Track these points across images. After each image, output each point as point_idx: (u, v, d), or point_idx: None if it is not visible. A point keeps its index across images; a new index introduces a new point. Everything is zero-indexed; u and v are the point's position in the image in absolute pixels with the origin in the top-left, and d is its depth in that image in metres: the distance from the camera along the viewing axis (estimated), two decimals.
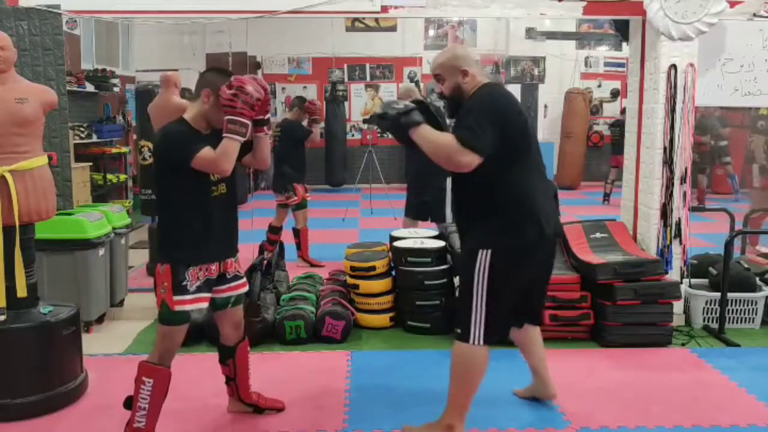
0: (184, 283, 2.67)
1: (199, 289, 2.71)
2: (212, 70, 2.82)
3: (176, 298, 2.66)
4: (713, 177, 10.41)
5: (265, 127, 2.81)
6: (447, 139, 2.68)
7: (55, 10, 4.35)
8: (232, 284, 2.90)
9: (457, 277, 4.13)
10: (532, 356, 3.21)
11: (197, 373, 3.59)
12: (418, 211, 5.58)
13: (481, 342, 2.74)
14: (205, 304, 2.77)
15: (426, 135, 2.72)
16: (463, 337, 2.77)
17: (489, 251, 2.70)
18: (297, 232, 6.12)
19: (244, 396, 3.12)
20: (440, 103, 3.20)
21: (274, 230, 6.00)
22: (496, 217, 2.73)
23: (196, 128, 2.71)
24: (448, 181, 5.58)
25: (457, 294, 2.91)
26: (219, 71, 2.79)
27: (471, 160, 2.62)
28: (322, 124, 6.10)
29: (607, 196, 10.14)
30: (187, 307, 2.69)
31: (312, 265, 5.95)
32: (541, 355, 3.21)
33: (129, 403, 2.74)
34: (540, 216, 2.73)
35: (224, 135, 2.58)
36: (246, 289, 3.00)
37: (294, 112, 6.14)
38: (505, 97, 2.82)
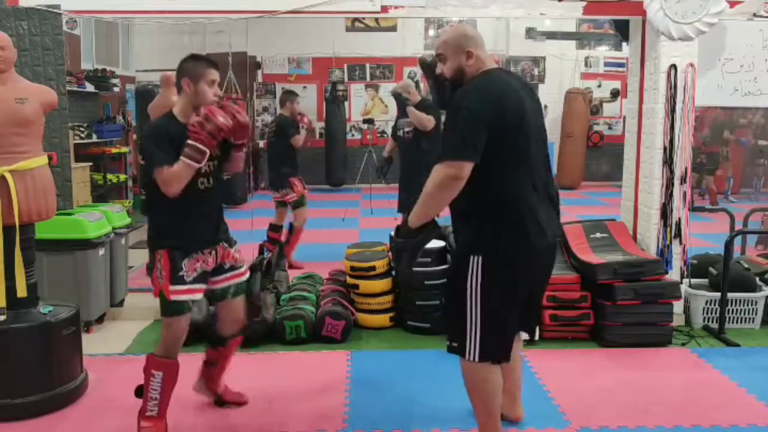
0: (181, 273, 2.75)
1: (195, 281, 2.79)
2: (187, 59, 2.88)
3: (172, 288, 2.74)
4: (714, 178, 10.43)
5: (242, 149, 2.91)
6: (434, 180, 2.38)
7: (55, 10, 4.35)
8: (229, 274, 2.97)
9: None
10: (508, 377, 2.87)
11: (197, 374, 3.59)
12: (402, 206, 5.59)
13: (476, 359, 2.50)
14: (199, 295, 2.85)
15: (423, 204, 2.45)
16: (459, 351, 2.55)
17: (480, 257, 2.46)
18: (291, 229, 6.02)
19: (213, 384, 3.19)
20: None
21: (275, 228, 5.95)
22: (485, 219, 2.48)
23: (183, 121, 2.75)
24: None
25: (446, 302, 2.67)
26: (194, 58, 2.88)
27: (457, 172, 2.34)
28: (305, 131, 5.97)
29: None
30: (182, 297, 2.77)
31: (290, 266, 5.68)
32: (518, 378, 3.01)
33: (140, 391, 2.85)
34: (531, 221, 2.47)
35: (181, 158, 2.64)
36: (245, 277, 3.06)
37: (286, 107, 6.02)
38: (502, 89, 2.47)
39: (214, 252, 2.89)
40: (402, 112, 5.53)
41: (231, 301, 3.03)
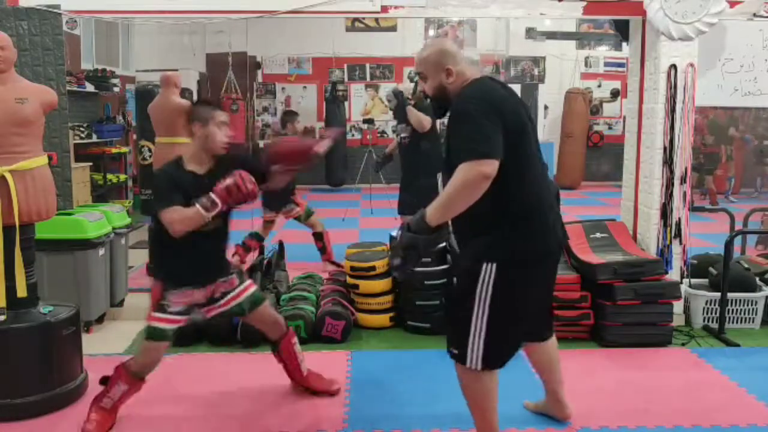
0: (164, 303, 2.90)
1: (179, 313, 2.93)
2: (196, 104, 3.15)
3: (155, 314, 2.90)
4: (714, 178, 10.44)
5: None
6: (462, 178, 2.25)
7: (55, 10, 4.35)
8: (226, 299, 3.07)
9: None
10: (549, 378, 3.01)
11: (197, 373, 3.59)
12: (402, 207, 5.58)
13: (479, 367, 2.45)
14: (180, 325, 2.96)
15: (446, 203, 2.31)
16: (460, 358, 2.49)
17: (494, 264, 2.39)
18: (320, 236, 5.85)
19: (297, 380, 3.34)
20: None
21: (257, 237, 5.72)
22: (500, 228, 2.41)
23: (191, 169, 2.91)
24: (440, 180, 5.59)
25: (449, 308, 2.69)
26: (203, 104, 3.11)
27: (488, 169, 2.24)
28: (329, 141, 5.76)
29: None
30: (162, 325, 2.90)
31: (338, 266, 5.52)
32: (559, 378, 3.01)
33: (105, 381, 3.00)
34: (546, 227, 2.47)
35: (197, 204, 2.75)
36: (250, 292, 3.12)
37: (288, 128, 5.83)
38: (497, 92, 2.44)
39: (203, 289, 3.00)
40: (399, 116, 5.49)
41: (253, 314, 3.14)
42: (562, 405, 3.05)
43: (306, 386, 3.34)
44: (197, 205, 2.73)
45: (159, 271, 3.00)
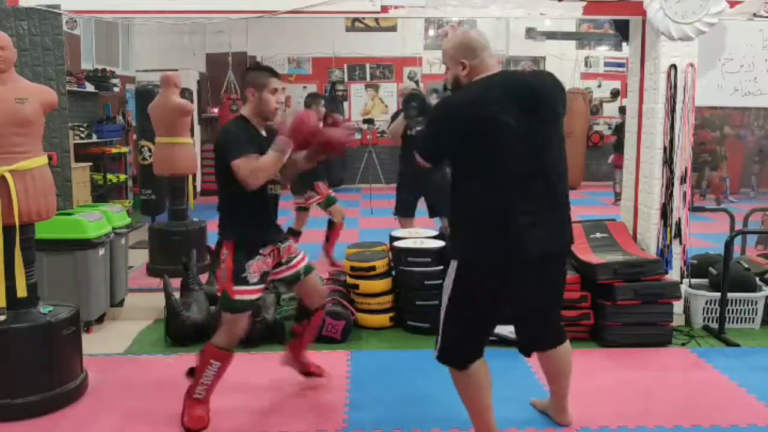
0: (244, 275, 2.93)
1: (258, 282, 2.98)
2: (252, 69, 3.16)
3: (236, 288, 2.92)
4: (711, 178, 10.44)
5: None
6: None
7: (55, 10, 4.35)
8: (290, 264, 3.20)
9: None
10: (556, 386, 3.00)
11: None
12: (400, 208, 5.60)
13: (438, 359, 2.64)
14: (260, 294, 3.06)
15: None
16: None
17: (456, 263, 2.56)
18: (332, 224, 5.97)
19: (298, 353, 3.44)
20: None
21: (294, 234, 5.76)
22: (464, 228, 2.56)
23: (254, 125, 2.99)
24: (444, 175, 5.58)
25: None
26: (258, 69, 3.13)
27: (422, 161, 2.62)
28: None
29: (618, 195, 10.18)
30: (246, 297, 2.95)
31: (332, 264, 5.73)
32: (565, 391, 3.00)
33: (192, 372, 3.03)
34: (507, 233, 2.43)
35: (271, 150, 2.82)
36: (306, 262, 3.27)
37: (312, 110, 5.65)
38: (469, 101, 2.49)
39: (272, 252, 3.08)
40: (419, 110, 5.34)
41: (306, 279, 3.25)
42: (563, 412, 3.04)
43: (301, 363, 3.46)
44: (272, 150, 2.80)
45: (231, 237, 2.97)
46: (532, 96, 2.50)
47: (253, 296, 2.98)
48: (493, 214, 2.46)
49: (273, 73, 3.01)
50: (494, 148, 2.43)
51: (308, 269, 3.27)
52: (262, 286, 3.02)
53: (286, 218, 5.92)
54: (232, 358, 3.02)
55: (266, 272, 3.04)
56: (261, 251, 2.99)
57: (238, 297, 2.93)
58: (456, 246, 2.62)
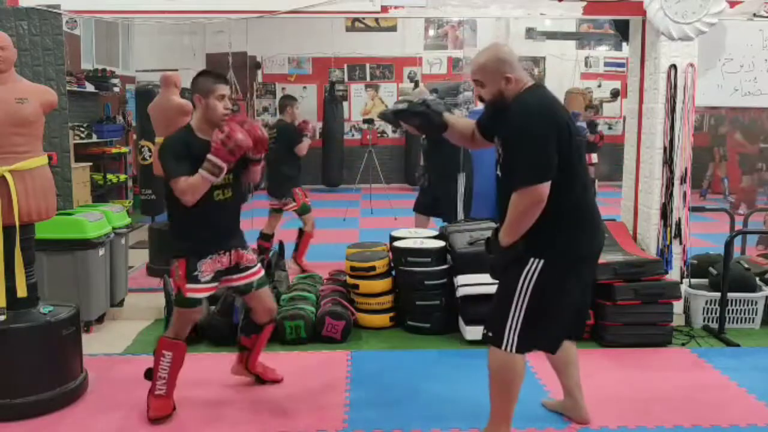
0: (196, 273, 2.98)
1: (209, 280, 3.03)
2: (199, 75, 3.05)
3: (189, 286, 2.99)
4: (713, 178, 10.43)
5: (259, 163, 3.13)
6: (519, 208, 2.52)
7: (55, 10, 4.35)
8: (246, 273, 3.19)
9: (458, 277, 4.14)
10: (567, 378, 3.05)
11: (197, 373, 3.59)
12: (426, 205, 5.64)
13: (513, 350, 2.63)
14: (212, 292, 3.12)
15: (513, 229, 2.58)
16: (495, 341, 2.67)
17: (541, 261, 2.58)
18: (301, 233, 5.87)
19: (251, 366, 3.45)
20: (442, 108, 2.98)
21: (265, 237, 5.73)
22: (552, 228, 2.57)
23: (199, 135, 2.97)
24: (460, 182, 5.63)
25: (494, 296, 2.79)
26: (205, 74, 3.05)
27: (542, 192, 2.48)
28: (309, 139, 5.75)
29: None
30: (198, 295, 3.02)
31: (302, 270, 5.63)
32: (577, 379, 3.04)
33: (149, 373, 3.07)
34: (594, 230, 2.69)
35: (199, 171, 2.83)
36: (263, 274, 3.28)
37: (287, 113, 5.73)
38: (555, 108, 2.61)
39: (227, 254, 3.09)
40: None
41: (258, 293, 3.25)
42: (578, 407, 3.05)
43: (255, 372, 3.47)
44: (200, 172, 2.82)
45: (182, 245, 3.02)
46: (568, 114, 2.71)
47: (205, 294, 3.06)
48: (583, 213, 2.66)
49: (220, 78, 3.00)
50: (577, 147, 2.61)
51: (262, 283, 3.26)
52: (215, 284, 3.08)
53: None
54: (183, 349, 3.08)
55: (220, 271, 3.07)
56: (213, 251, 3.03)
57: (190, 295, 3.00)
58: (544, 245, 2.58)
